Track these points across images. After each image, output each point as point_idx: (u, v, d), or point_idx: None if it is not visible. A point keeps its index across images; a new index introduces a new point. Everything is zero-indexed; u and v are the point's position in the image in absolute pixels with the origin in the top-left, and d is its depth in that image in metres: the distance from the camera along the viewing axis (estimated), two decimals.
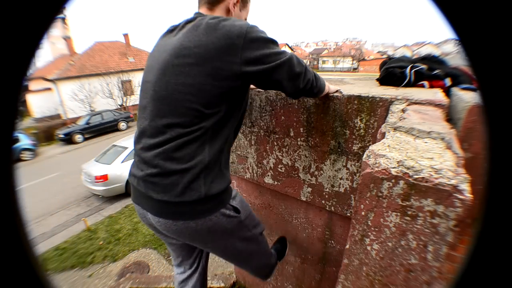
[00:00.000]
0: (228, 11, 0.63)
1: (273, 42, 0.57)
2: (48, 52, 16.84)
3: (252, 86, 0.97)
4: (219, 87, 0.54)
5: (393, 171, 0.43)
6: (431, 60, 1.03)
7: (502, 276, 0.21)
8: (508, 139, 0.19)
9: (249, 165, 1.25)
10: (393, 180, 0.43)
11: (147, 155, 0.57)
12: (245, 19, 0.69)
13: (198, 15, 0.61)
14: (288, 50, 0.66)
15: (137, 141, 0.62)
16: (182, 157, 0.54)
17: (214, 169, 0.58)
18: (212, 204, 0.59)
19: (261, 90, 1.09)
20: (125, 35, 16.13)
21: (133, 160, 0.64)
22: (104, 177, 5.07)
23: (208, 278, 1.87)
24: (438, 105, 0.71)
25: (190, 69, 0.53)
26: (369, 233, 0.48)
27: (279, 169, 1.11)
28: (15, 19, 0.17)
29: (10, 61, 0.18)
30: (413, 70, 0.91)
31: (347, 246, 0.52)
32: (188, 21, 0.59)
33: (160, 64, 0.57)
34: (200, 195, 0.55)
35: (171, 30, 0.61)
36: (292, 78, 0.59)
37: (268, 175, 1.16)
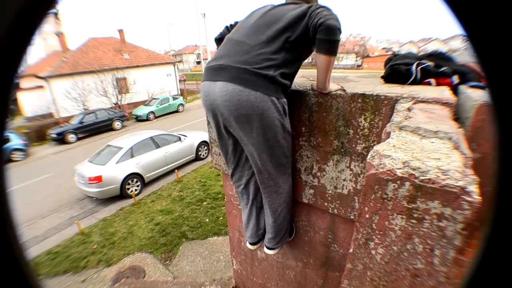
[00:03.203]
0: None
1: None
2: (40, 49, 16.51)
3: None
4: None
5: (399, 172, 0.42)
6: (438, 57, 1.02)
7: None
8: None
9: None
10: (398, 182, 0.42)
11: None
12: None
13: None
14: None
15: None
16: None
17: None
18: (273, 88, 0.78)
19: None
20: (120, 31, 15.91)
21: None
22: (98, 179, 4.99)
23: (206, 283, 1.85)
24: (445, 104, 0.71)
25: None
26: (374, 237, 0.47)
27: None
28: (6, 14, 0.16)
29: (0, 58, 0.18)
30: (419, 67, 0.90)
31: (351, 250, 0.51)
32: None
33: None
34: (268, 75, 0.77)
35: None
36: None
37: None
